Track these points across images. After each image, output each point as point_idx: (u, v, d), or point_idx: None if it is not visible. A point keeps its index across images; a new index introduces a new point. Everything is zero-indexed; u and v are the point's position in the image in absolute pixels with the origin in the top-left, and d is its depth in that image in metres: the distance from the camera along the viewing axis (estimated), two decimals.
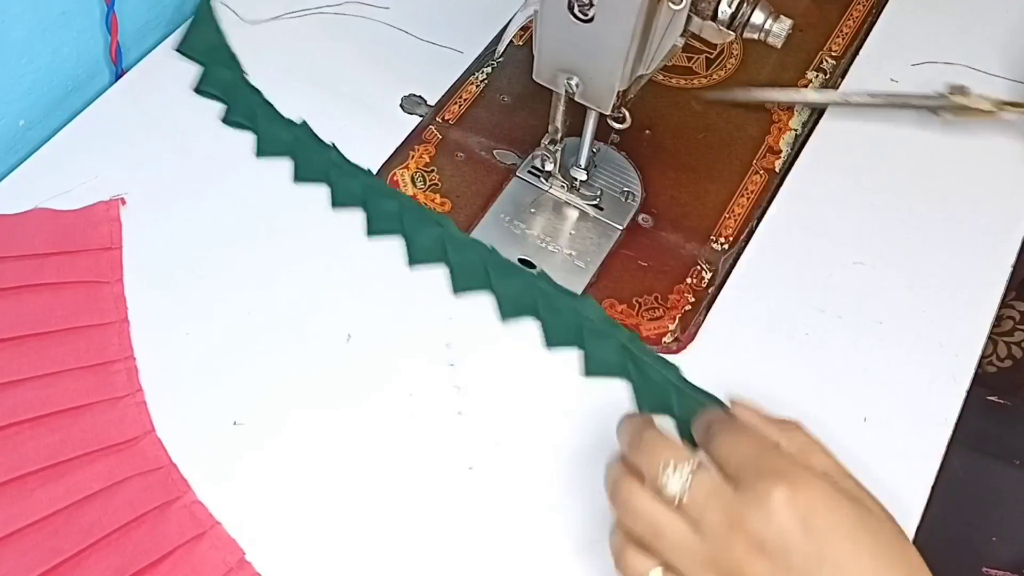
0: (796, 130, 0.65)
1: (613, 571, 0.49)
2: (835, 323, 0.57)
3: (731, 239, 0.60)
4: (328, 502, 0.50)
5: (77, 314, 0.54)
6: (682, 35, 0.50)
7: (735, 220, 0.60)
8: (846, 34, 0.69)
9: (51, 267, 0.55)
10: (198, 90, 0.64)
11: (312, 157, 0.61)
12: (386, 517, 0.50)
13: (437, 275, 0.58)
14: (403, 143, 0.63)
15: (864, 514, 0.41)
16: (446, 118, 0.64)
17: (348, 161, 0.61)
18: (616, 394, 0.54)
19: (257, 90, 0.64)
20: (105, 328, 0.54)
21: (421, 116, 0.64)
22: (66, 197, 0.59)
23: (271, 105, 0.63)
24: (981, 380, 0.59)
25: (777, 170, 0.63)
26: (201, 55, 0.65)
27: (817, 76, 0.68)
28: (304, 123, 0.63)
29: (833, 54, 0.68)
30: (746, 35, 0.47)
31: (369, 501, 0.50)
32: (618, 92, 0.51)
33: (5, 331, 0.53)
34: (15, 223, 0.57)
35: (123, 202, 0.59)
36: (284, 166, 0.62)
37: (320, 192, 0.60)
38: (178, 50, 0.66)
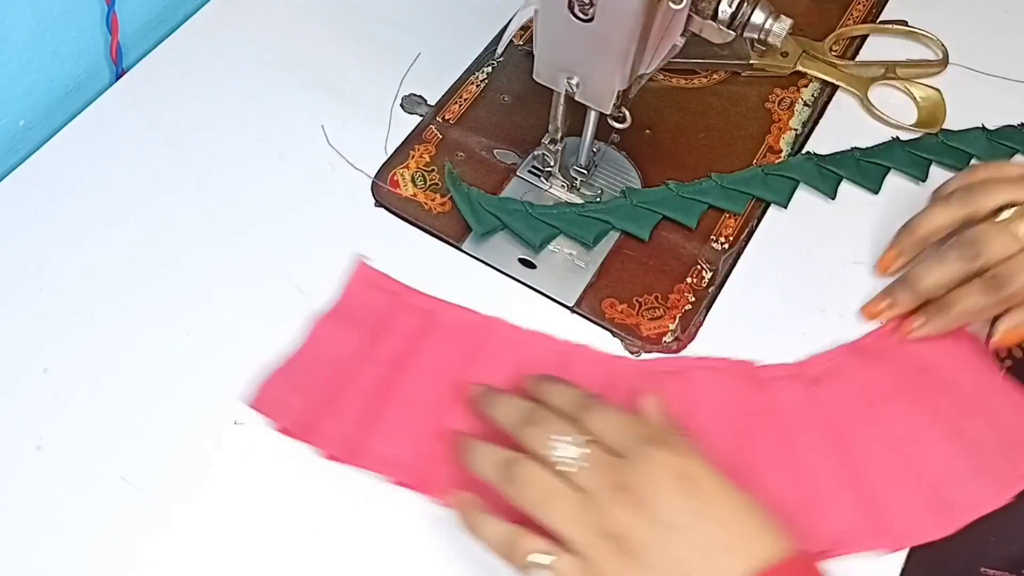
0: (796, 130, 0.65)
1: None
2: (835, 323, 0.57)
3: (731, 239, 0.60)
4: (328, 502, 0.50)
5: None
6: (682, 35, 0.50)
7: (735, 220, 0.60)
8: (846, 34, 0.70)
9: None
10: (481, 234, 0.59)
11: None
12: (386, 517, 0.50)
13: None
14: (403, 143, 0.63)
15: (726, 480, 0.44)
16: (446, 118, 0.64)
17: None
18: None
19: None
20: None
21: (421, 116, 0.64)
22: (66, 197, 0.59)
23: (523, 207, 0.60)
24: None
25: None
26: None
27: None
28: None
29: (834, 53, 0.68)
30: (746, 34, 0.47)
31: (369, 501, 0.50)
32: (618, 92, 0.51)
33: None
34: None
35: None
36: (282, 167, 0.62)
37: (319, 193, 0.60)
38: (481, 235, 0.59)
